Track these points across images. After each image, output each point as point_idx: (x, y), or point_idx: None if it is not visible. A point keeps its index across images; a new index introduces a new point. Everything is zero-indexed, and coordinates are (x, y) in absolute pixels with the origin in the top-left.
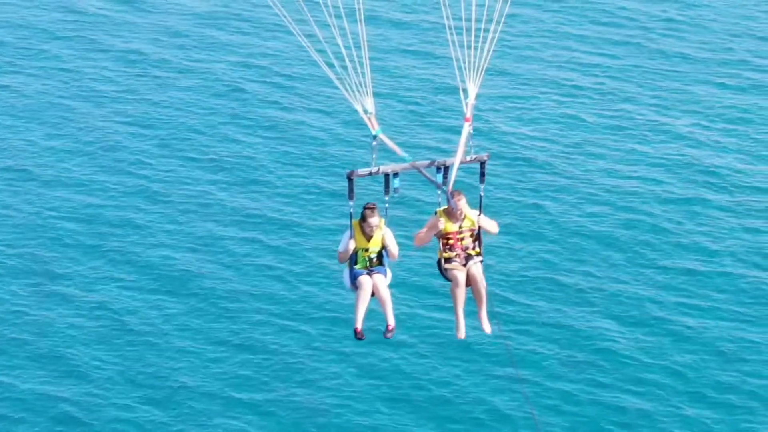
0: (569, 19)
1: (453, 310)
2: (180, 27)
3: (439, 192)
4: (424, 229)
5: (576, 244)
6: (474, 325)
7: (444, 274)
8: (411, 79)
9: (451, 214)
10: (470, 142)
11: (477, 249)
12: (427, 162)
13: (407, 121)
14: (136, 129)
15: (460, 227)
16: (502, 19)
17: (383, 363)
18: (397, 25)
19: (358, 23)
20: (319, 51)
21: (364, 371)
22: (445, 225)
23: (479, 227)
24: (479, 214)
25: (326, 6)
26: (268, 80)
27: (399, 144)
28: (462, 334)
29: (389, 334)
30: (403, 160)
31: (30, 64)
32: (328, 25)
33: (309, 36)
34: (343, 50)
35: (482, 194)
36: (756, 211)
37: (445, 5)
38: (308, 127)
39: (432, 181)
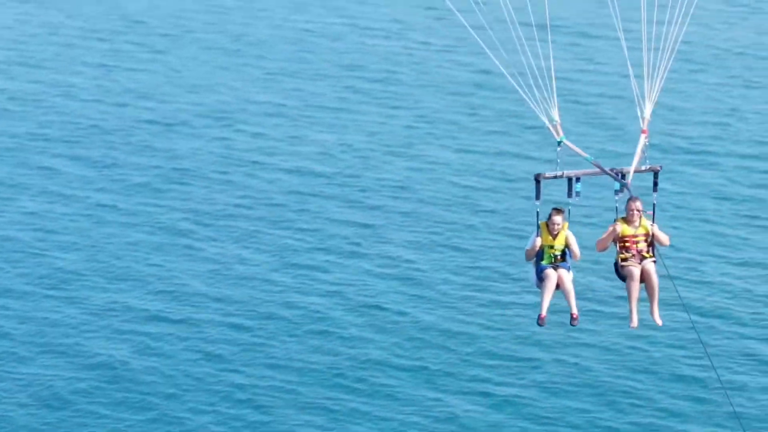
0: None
1: (627, 304)
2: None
3: (618, 194)
4: (605, 235)
5: None
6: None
7: (620, 272)
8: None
9: (628, 220)
10: (646, 153)
11: (651, 253)
12: (607, 169)
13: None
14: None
15: (636, 232)
16: (679, 40)
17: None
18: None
19: (548, 43)
20: (506, 66)
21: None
22: (622, 229)
23: (653, 234)
24: (653, 224)
25: (512, 23)
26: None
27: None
28: (635, 323)
29: (575, 322)
30: (588, 160)
31: None
32: (513, 43)
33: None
34: (532, 63)
35: (655, 203)
36: None
37: (619, 28)
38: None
39: (614, 178)
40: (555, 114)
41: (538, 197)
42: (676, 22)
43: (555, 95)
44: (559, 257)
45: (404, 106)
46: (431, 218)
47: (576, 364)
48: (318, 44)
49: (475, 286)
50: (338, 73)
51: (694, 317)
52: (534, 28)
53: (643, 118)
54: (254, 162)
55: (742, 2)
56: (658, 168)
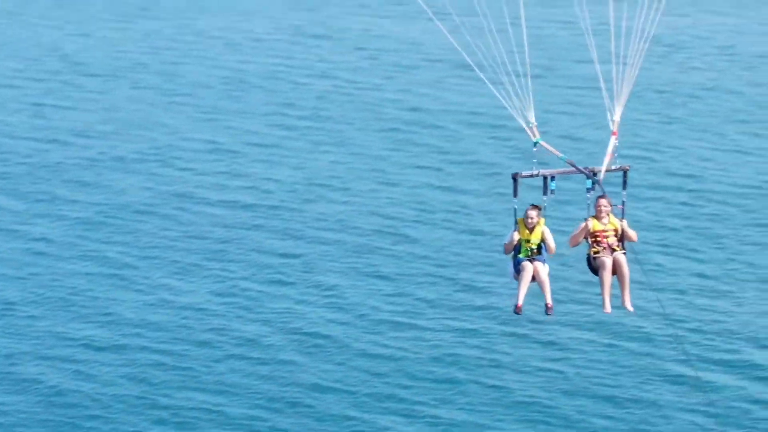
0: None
1: (600, 293)
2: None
3: (590, 192)
4: (577, 231)
5: None
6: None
7: (592, 264)
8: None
9: (597, 217)
10: (615, 154)
11: (621, 247)
12: (580, 167)
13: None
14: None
15: (605, 227)
16: (645, 47)
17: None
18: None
19: (525, 49)
20: (483, 71)
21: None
22: (593, 224)
23: (622, 230)
24: (622, 220)
25: (491, 32)
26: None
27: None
28: (608, 309)
29: (550, 312)
30: (562, 160)
31: None
32: (492, 50)
33: (473, 56)
34: (510, 69)
35: (624, 200)
36: None
37: (589, 37)
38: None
39: (587, 175)
40: (531, 117)
41: (515, 195)
42: (643, 28)
43: (531, 99)
44: (535, 251)
45: (334, 141)
46: (359, 248)
47: (494, 386)
48: (251, 83)
49: (401, 312)
50: (271, 110)
51: (609, 339)
52: (511, 36)
53: (613, 121)
54: (188, 196)
55: (664, 42)
56: (627, 167)
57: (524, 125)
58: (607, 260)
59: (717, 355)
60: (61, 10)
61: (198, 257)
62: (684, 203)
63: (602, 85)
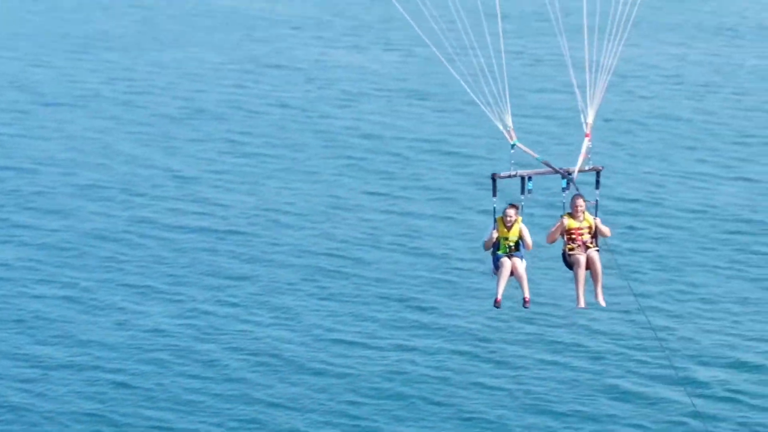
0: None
1: (574, 288)
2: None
3: (565, 191)
4: (553, 228)
5: None
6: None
7: (567, 260)
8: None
9: (573, 215)
10: (589, 155)
11: (594, 244)
12: (555, 168)
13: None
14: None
15: (580, 225)
16: (617, 54)
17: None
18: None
19: (502, 55)
20: (462, 77)
21: None
22: (569, 222)
23: (596, 227)
24: (595, 217)
25: (471, 42)
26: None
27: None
28: (581, 304)
29: (527, 305)
30: (538, 160)
31: None
32: (471, 57)
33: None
34: (488, 75)
35: (597, 199)
36: None
37: (564, 45)
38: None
39: (563, 175)
40: (508, 120)
41: (494, 194)
42: (614, 40)
43: (508, 104)
44: (513, 247)
45: (288, 168)
46: (313, 271)
47: (444, 403)
48: (207, 112)
49: (353, 332)
50: (227, 138)
51: (554, 356)
52: (489, 42)
53: (586, 123)
54: (146, 222)
55: (614, 71)
56: (600, 168)
57: (501, 128)
58: (581, 258)
59: (659, 371)
60: (19, 40)
61: (155, 281)
62: (631, 227)
63: (576, 89)
